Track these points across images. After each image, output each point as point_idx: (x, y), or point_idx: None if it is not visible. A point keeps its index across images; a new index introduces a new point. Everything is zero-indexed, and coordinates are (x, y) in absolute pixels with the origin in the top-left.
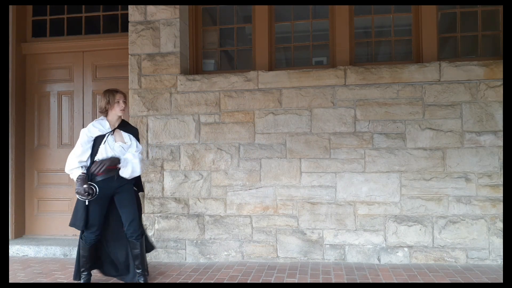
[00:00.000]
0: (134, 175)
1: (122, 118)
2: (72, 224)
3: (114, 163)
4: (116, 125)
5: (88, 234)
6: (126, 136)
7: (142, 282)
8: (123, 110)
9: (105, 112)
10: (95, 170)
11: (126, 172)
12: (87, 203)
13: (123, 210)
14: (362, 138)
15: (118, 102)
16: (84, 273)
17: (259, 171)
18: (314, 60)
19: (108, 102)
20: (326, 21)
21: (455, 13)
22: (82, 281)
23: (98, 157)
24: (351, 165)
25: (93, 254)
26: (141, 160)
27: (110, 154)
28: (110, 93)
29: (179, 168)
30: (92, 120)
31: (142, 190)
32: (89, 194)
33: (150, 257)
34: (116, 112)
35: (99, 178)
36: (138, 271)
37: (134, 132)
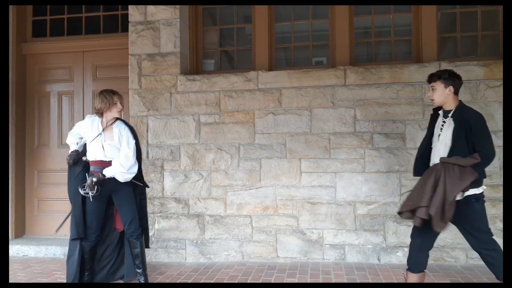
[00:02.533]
0: (128, 177)
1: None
2: (75, 234)
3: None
4: (109, 124)
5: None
6: (116, 132)
7: (142, 281)
8: (120, 111)
9: (100, 114)
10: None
11: (118, 178)
12: (91, 199)
13: (122, 210)
14: (362, 138)
15: (116, 104)
16: (85, 273)
17: (259, 171)
18: (314, 60)
19: (106, 105)
20: (326, 21)
21: (455, 13)
22: (84, 281)
23: (89, 157)
24: (351, 165)
25: (93, 255)
26: (132, 157)
27: (100, 153)
28: (108, 96)
29: (179, 168)
30: None
31: (147, 186)
32: (95, 186)
33: (150, 257)
34: (113, 114)
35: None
36: (138, 270)
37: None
